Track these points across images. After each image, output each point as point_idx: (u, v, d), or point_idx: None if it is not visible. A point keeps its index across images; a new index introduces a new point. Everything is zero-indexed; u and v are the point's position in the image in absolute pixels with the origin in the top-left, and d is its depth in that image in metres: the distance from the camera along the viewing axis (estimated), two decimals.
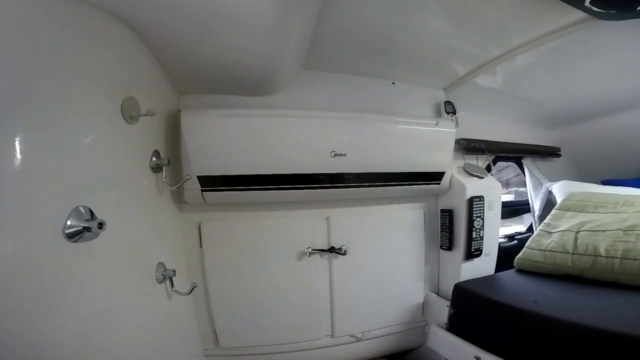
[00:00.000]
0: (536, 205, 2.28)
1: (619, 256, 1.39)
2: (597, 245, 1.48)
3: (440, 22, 1.29)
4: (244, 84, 1.40)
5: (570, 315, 1.14)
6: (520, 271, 1.72)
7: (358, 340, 1.69)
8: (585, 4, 1.10)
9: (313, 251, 1.57)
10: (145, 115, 0.99)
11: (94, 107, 0.81)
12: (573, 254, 1.54)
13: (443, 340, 1.55)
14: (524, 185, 2.43)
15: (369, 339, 1.71)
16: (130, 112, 0.94)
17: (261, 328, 1.55)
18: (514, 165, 2.47)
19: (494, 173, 2.09)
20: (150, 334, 1.03)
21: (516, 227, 2.53)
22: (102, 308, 0.79)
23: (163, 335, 1.13)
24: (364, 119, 1.49)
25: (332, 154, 1.41)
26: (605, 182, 2.14)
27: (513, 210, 2.42)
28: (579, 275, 1.49)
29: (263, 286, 1.54)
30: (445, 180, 1.67)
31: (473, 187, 1.66)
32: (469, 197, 1.63)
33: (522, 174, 2.42)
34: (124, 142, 0.95)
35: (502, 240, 2.18)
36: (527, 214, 2.42)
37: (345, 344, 1.68)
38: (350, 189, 1.51)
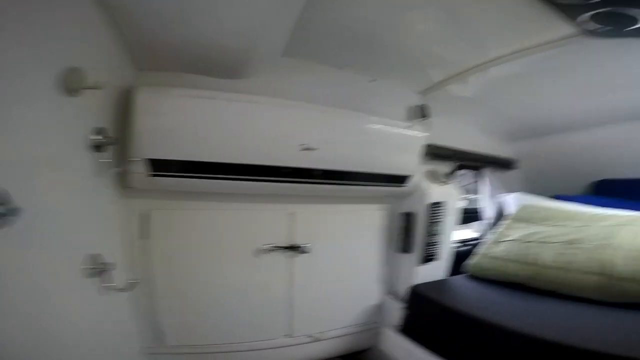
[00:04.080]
0: (491, 213, 2.38)
1: (562, 267, 1.48)
2: (542, 256, 1.57)
3: (427, 26, 1.29)
4: (215, 65, 1.30)
5: (514, 323, 1.19)
6: (471, 276, 1.79)
7: (316, 340, 1.67)
8: (580, 19, 1.12)
9: (274, 248, 1.51)
10: (91, 89, 0.87)
11: (26, 75, 0.69)
12: (520, 263, 1.62)
13: (394, 342, 1.58)
14: (478, 193, 2.53)
15: (326, 339, 1.70)
16: (71, 84, 0.81)
17: (214, 326, 1.48)
18: (472, 172, 2.56)
19: (457, 180, 2.15)
20: (81, 332, 0.92)
21: (469, 232, 2.62)
22: (21, 304, 0.68)
23: (97, 333, 1.01)
24: (338, 114, 1.45)
25: (301, 147, 1.35)
26: (556, 197, 2.26)
27: (467, 216, 2.51)
28: (525, 283, 1.57)
29: (218, 282, 1.47)
30: (411, 183, 1.68)
31: (435, 193, 1.69)
32: (430, 202, 1.66)
33: (479, 183, 2.52)
34: (61, 117, 0.82)
35: (456, 245, 2.25)
36: (481, 221, 2.52)
37: (302, 344, 1.66)
38: (318, 185, 1.47)
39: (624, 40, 1.22)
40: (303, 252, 1.55)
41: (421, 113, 1.87)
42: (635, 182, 2.23)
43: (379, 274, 1.82)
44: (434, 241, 1.70)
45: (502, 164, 2.55)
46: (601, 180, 2.40)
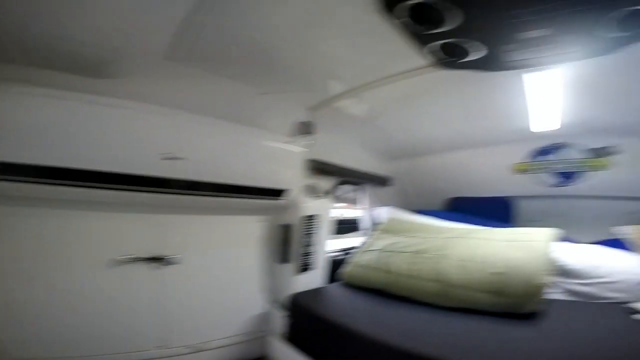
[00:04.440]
0: (367, 225, 2.68)
1: (410, 275, 1.68)
2: (396, 264, 1.77)
3: (322, 45, 1.32)
4: (79, 62, 1.20)
5: (369, 330, 1.32)
6: (345, 284, 1.93)
7: (197, 350, 1.65)
8: (429, 48, 1.25)
9: (135, 259, 1.46)
10: None
11: None
12: (381, 270, 1.80)
13: (281, 351, 1.63)
14: (358, 206, 2.83)
15: (209, 349, 1.69)
16: None
17: (71, 338, 1.36)
18: (354, 187, 2.85)
19: (337, 194, 2.39)
20: None
21: (349, 242, 2.83)
22: None
23: None
24: (213, 124, 1.45)
25: (167, 155, 1.33)
26: (418, 212, 2.64)
27: (348, 227, 2.78)
28: (385, 289, 1.73)
29: (75, 293, 1.37)
30: (288, 197, 1.78)
31: (310, 206, 1.82)
32: (305, 215, 1.78)
33: (359, 197, 2.81)
34: None
35: (337, 254, 2.43)
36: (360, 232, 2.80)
37: (182, 354, 1.62)
38: (187, 196, 1.45)
39: (470, 72, 1.39)
40: (169, 263, 1.53)
41: (306, 129, 1.95)
42: (481, 199, 2.75)
43: (262, 283, 1.86)
44: (309, 251, 1.81)
45: (380, 181, 2.88)
46: (455, 198, 2.91)
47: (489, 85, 1.61)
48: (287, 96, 1.84)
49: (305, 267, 1.82)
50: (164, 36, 1.20)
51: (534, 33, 1.06)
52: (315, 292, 1.80)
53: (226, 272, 1.76)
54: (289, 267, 1.82)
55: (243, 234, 1.83)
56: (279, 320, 1.75)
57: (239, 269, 1.81)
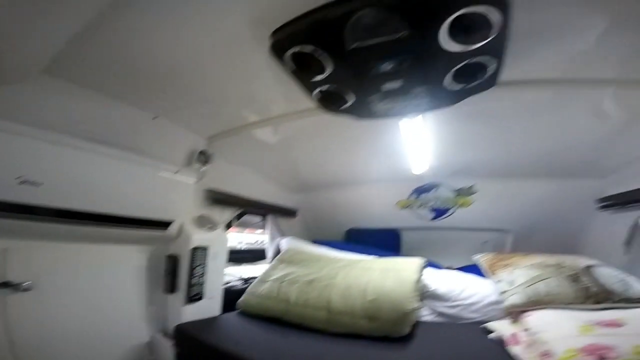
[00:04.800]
0: (269, 254, 2.69)
1: (301, 304, 1.74)
2: (290, 294, 1.82)
3: (225, 72, 1.32)
4: None
5: (259, 357, 1.32)
6: (242, 313, 1.92)
7: None
8: (314, 95, 1.34)
9: None
10: None
11: None
12: (276, 300, 1.83)
13: None
14: (263, 235, 2.85)
15: None
16: None
17: None
18: (259, 218, 2.87)
19: (236, 225, 2.35)
20: None
21: (252, 271, 2.83)
22: None
23: None
24: (82, 148, 1.34)
25: (20, 179, 1.18)
26: (317, 242, 2.76)
27: (251, 256, 2.78)
28: (281, 318, 1.76)
29: None
30: (174, 228, 1.73)
31: (200, 238, 1.78)
32: (193, 247, 1.73)
33: (265, 227, 2.84)
34: None
35: (236, 283, 2.39)
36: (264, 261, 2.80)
37: None
38: (43, 223, 1.30)
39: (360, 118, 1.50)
40: (19, 290, 1.31)
41: (202, 158, 1.93)
42: (374, 231, 3.01)
43: (144, 313, 1.75)
44: (199, 282, 1.76)
45: (285, 212, 2.95)
46: (352, 229, 3.13)
47: (377, 129, 1.80)
48: (183, 124, 1.80)
49: (195, 297, 1.76)
50: (45, 49, 1.08)
51: (391, 85, 1.22)
52: (207, 322, 1.76)
53: (99, 301, 1.59)
54: (176, 297, 1.75)
55: (121, 263, 1.69)
56: (167, 350, 1.65)
57: (115, 298, 1.65)
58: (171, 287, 1.73)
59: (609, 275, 1.61)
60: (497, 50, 1.06)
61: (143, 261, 1.76)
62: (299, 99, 1.42)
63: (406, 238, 2.97)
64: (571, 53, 1.20)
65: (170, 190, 1.68)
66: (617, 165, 2.00)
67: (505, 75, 1.21)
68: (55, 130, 1.30)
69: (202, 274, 1.78)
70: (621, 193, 1.97)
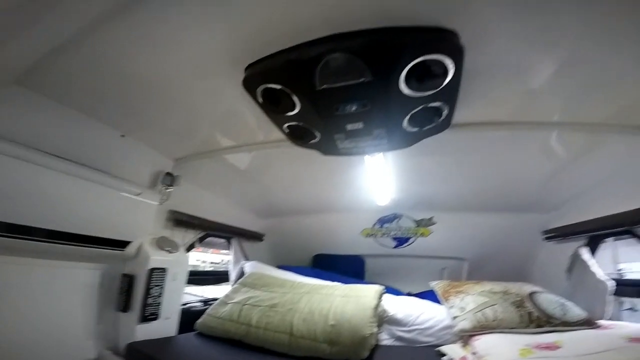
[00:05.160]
0: (232, 277, 2.66)
1: (263, 327, 1.75)
2: (252, 317, 1.82)
3: (197, 97, 1.34)
4: None
5: None
6: (200, 334, 1.89)
7: None
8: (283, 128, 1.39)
9: None
10: None
11: None
12: (237, 322, 1.82)
13: None
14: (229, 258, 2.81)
15: None
16: None
17: None
18: (224, 241, 2.83)
19: (199, 247, 2.32)
20: None
21: (215, 292, 2.75)
22: None
23: None
24: (41, 163, 1.31)
25: None
26: (282, 267, 2.75)
27: (214, 278, 2.74)
28: (241, 340, 1.75)
29: None
30: (132, 249, 1.71)
31: (158, 259, 1.76)
32: (151, 268, 1.71)
33: (231, 250, 2.81)
34: None
35: (196, 304, 2.37)
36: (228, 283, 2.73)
37: None
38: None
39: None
40: None
41: (169, 180, 1.93)
42: (340, 257, 3.08)
43: (93, 330, 1.68)
44: (154, 302, 1.73)
45: (251, 236, 2.95)
46: (318, 254, 3.17)
47: (344, 162, 1.84)
48: (150, 144, 1.80)
49: (150, 317, 1.72)
50: (19, 60, 1.07)
51: (354, 126, 1.30)
52: (162, 341, 1.72)
53: (45, 317, 1.50)
54: (130, 316, 1.70)
55: (68, 279, 1.61)
56: None
57: (63, 314, 1.57)
58: (124, 306, 1.69)
59: (550, 301, 1.75)
60: (450, 96, 1.16)
61: (96, 278, 1.70)
62: (270, 129, 1.46)
63: (370, 264, 3.05)
64: (521, 95, 1.29)
65: (131, 211, 1.67)
66: (560, 201, 2.22)
67: (458, 117, 1.33)
68: (16, 142, 1.26)
69: (159, 294, 1.75)
70: (563, 226, 2.19)
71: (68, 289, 1.59)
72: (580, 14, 0.86)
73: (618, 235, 1.92)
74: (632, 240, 1.80)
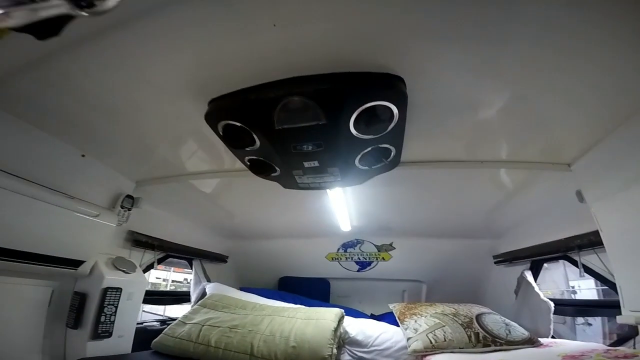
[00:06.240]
0: (193, 298, 2.60)
1: (222, 347, 1.75)
2: (211, 337, 1.81)
3: (161, 123, 1.35)
4: None
5: None
6: (156, 353, 1.85)
7: None
8: (245, 160, 1.42)
9: None
10: None
11: None
12: (195, 342, 1.80)
13: None
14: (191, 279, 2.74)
15: None
16: None
17: None
18: (186, 261, 2.77)
19: (156, 267, 2.27)
20: None
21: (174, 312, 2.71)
22: None
23: None
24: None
25: None
26: (246, 289, 2.73)
27: (177, 298, 2.67)
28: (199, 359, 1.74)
29: None
30: (85, 268, 1.68)
31: (112, 279, 1.73)
32: (105, 287, 1.69)
33: (193, 271, 2.73)
34: None
35: (155, 323, 2.32)
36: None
37: None
38: None
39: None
40: None
41: (129, 202, 1.91)
42: (306, 279, 3.12)
43: (38, 345, 1.60)
44: (107, 320, 1.70)
45: (214, 258, 2.91)
46: (284, 277, 3.19)
47: (308, 191, 1.81)
48: (111, 165, 1.77)
49: (103, 334, 1.69)
50: None
51: (310, 164, 1.35)
52: (112, 358, 1.68)
53: None
54: (81, 333, 1.66)
55: (20, 295, 1.56)
56: None
57: (7, 330, 1.50)
58: (75, 323, 1.66)
59: (495, 322, 1.88)
60: (396, 137, 1.24)
61: (46, 295, 1.65)
62: (234, 159, 1.48)
63: (335, 287, 3.12)
64: (465, 133, 1.36)
65: (86, 231, 1.64)
66: (507, 229, 2.41)
67: (406, 156, 1.42)
68: None
69: (113, 313, 1.73)
70: (509, 251, 2.38)
71: (14, 305, 1.53)
72: (516, 53, 0.91)
73: (556, 259, 2.12)
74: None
